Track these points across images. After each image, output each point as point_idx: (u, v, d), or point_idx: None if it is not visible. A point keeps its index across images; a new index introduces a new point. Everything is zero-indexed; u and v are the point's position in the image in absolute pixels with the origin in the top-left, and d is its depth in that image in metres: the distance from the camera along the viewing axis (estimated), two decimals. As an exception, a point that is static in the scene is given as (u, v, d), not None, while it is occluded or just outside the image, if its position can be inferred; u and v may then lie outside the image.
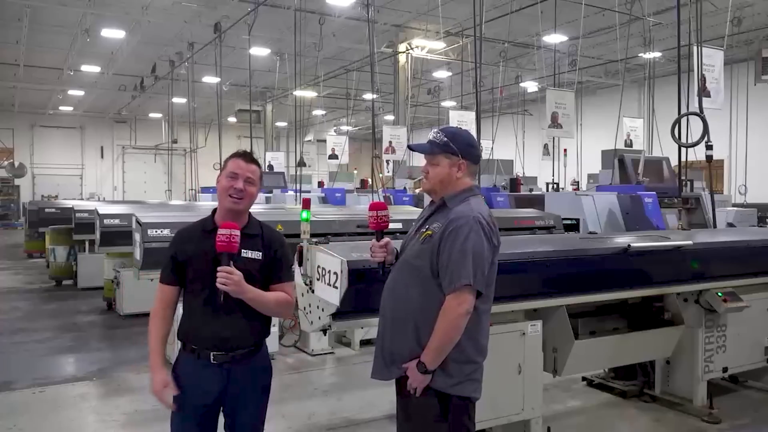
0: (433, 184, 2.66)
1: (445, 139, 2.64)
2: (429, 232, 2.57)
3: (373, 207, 2.79)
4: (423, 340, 2.50)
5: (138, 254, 5.86)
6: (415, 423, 2.60)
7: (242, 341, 2.64)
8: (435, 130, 2.72)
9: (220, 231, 2.53)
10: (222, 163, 2.82)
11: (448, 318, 2.44)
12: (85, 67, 20.89)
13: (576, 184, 17.82)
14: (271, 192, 15.28)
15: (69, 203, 12.57)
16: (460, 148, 2.64)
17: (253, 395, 2.73)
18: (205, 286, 2.60)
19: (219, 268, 2.51)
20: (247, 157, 2.70)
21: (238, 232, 2.55)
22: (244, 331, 2.64)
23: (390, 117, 22.36)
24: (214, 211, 2.73)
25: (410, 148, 2.83)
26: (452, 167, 2.63)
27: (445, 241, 2.49)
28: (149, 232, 5.64)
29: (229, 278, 2.50)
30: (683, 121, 6.34)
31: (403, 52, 18.00)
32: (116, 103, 27.96)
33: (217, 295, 2.55)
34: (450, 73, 21.03)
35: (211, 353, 2.59)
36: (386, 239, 2.76)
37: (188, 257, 2.64)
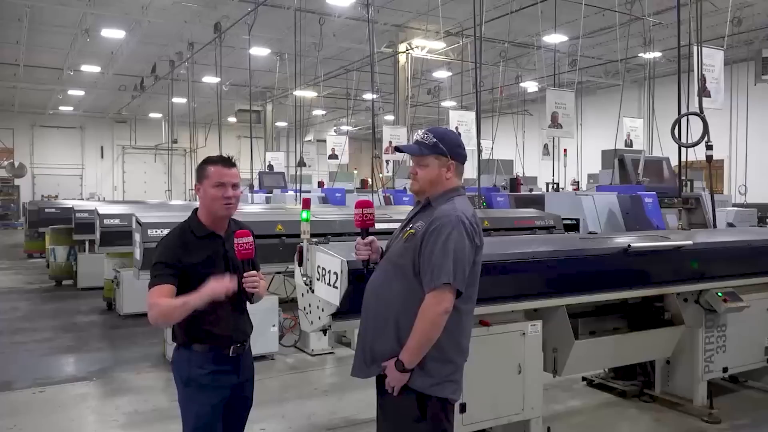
0: (422, 185, 2.65)
1: (435, 140, 2.62)
2: (412, 230, 2.56)
3: (360, 205, 2.79)
4: (403, 339, 2.49)
5: (138, 254, 5.87)
6: (394, 423, 2.59)
7: (249, 333, 2.92)
8: (422, 130, 2.71)
9: (242, 240, 2.72)
10: (197, 168, 2.84)
11: (426, 316, 2.43)
12: (85, 67, 20.88)
13: (576, 184, 17.81)
14: (271, 192, 15.31)
15: (69, 203, 12.59)
16: (449, 148, 2.63)
17: (251, 380, 2.95)
18: None
19: (246, 274, 2.71)
20: (227, 162, 2.79)
21: (252, 239, 2.75)
22: (249, 323, 2.93)
23: (390, 117, 22.34)
24: (195, 212, 2.83)
25: (398, 149, 2.81)
26: (441, 168, 2.62)
27: (427, 240, 2.48)
28: (149, 232, 5.64)
29: (257, 282, 2.73)
30: (683, 121, 6.34)
31: (403, 52, 17.98)
32: (116, 103, 27.95)
33: (245, 297, 2.80)
34: (450, 73, 21.02)
35: (231, 347, 2.76)
36: (371, 237, 2.76)
37: (194, 264, 2.67)
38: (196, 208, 2.85)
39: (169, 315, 2.62)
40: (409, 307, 2.49)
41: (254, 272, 2.74)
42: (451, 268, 2.43)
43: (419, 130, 2.73)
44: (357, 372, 2.68)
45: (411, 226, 2.61)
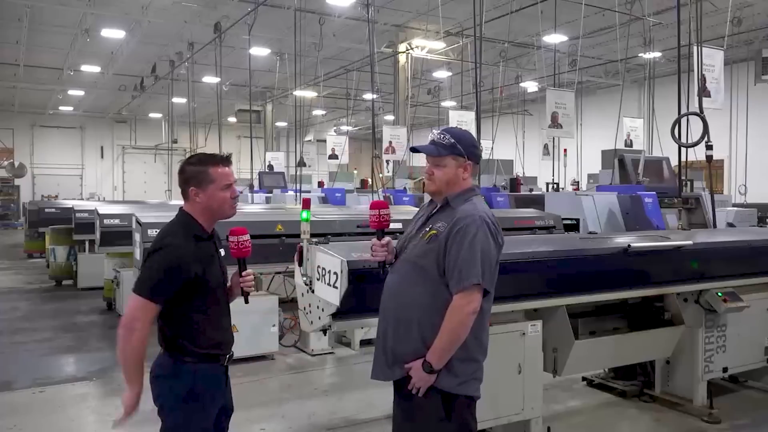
0: (439, 186, 2.64)
1: (452, 140, 2.63)
2: (434, 231, 2.56)
3: (375, 206, 2.78)
4: (428, 339, 2.49)
5: (138, 254, 5.87)
6: (419, 423, 2.58)
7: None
8: (438, 131, 2.71)
9: (242, 238, 2.68)
10: (190, 172, 2.61)
11: (456, 317, 2.44)
12: (85, 67, 20.88)
13: (576, 184, 17.81)
14: (271, 192, 15.31)
15: (69, 203, 12.59)
16: (466, 149, 2.64)
17: (230, 387, 2.83)
18: (221, 294, 2.69)
19: (244, 273, 2.69)
20: (226, 161, 2.65)
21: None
22: None
23: (390, 117, 22.34)
24: (184, 213, 2.65)
25: (415, 149, 2.79)
26: (459, 168, 2.63)
27: (452, 241, 2.48)
28: (149, 232, 5.64)
29: (253, 281, 2.69)
30: (683, 121, 6.34)
31: (403, 52, 17.98)
32: (116, 103, 27.96)
33: (237, 296, 2.75)
34: (450, 73, 21.02)
35: (227, 355, 2.69)
36: (387, 238, 2.75)
37: (197, 271, 2.52)
38: (183, 210, 2.65)
39: (126, 360, 2.46)
40: (433, 307, 2.49)
41: (251, 271, 2.72)
42: (479, 268, 2.44)
43: (434, 130, 2.74)
44: (378, 374, 2.67)
45: (431, 226, 2.60)
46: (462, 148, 2.63)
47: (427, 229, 2.60)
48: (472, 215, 2.51)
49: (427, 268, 2.53)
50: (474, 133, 8.92)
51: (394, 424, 2.70)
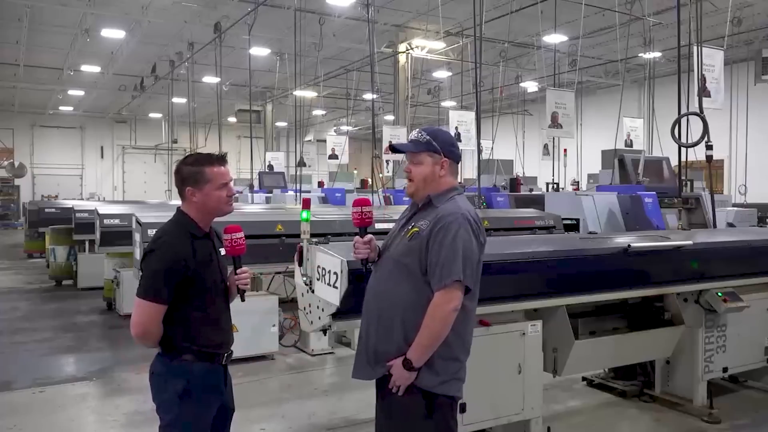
0: (417, 184, 2.65)
1: (428, 137, 2.64)
2: (416, 229, 2.55)
3: (357, 203, 2.78)
4: (410, 338, 2.48)
5: (138, 254, 5.87)
6: (399, 422, 2.56)
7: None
8: (416, 130, 2.72)
9: (236, 235, 2.69)
10: (186, 172, 2.63)
11: (436, 315, 2.43)
12: (85, 67, 20.88)
13: (576, 184, 17.81)
14: (271, 192, 15.32)
15: (69, 203, 12.61)
16: (442, 146, 2.64)
17: (231, 387, 2.81)
18: (218, 292, 2.68)
19: (239, 270, 2.69)
20: (222, 160, 2.67)
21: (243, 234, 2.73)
22: None
23: (390, 117, 22.34)
24: (180, 212, 2.66)
25: (393, 147, 2.82)
26: (435, 165, 2.63)
27: (434, 239, 2.48)
28: (149, 232, 5.64)
29: (248, 278, 2.68)
30: (683, 121, 6.34)
31: (403, 52, 17.98)
32: (116, 103, 27.96)
33: (236, 295, 2.75)
34: (450, 73, 21.02)
35: (225, 355, 2.68)
36: (369, 236, 2.74)
37: (194, 268, 2.54)
38: (180, 209, 2.67)
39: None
40: (415, 305, 2.48)
41: (246, 268, 2.72)
42: (460, 265, 2.43)
43: (414, 130, 2.75)
44: (360, 373, 2.65)
45: (413, 224, 2.59)
46: (438, 145, 2.63)
47: (410, 227, 2.60)
48: (453, 213, 2.50)
49: (409, 266, 2.53)
50: (474, 133, 8.95)
51: (377, 424, 2.67)
